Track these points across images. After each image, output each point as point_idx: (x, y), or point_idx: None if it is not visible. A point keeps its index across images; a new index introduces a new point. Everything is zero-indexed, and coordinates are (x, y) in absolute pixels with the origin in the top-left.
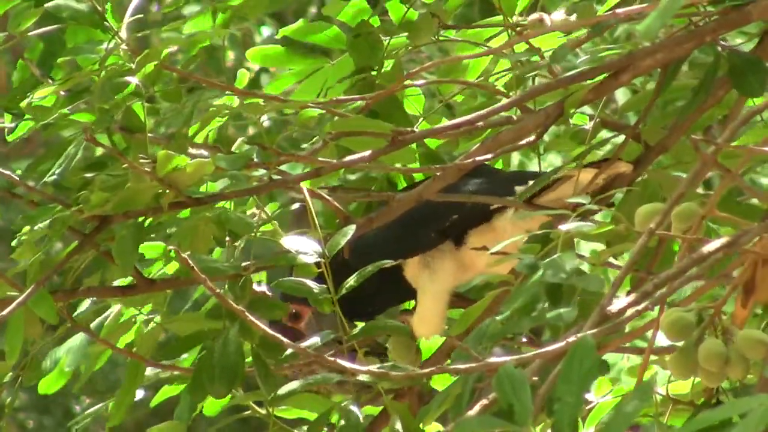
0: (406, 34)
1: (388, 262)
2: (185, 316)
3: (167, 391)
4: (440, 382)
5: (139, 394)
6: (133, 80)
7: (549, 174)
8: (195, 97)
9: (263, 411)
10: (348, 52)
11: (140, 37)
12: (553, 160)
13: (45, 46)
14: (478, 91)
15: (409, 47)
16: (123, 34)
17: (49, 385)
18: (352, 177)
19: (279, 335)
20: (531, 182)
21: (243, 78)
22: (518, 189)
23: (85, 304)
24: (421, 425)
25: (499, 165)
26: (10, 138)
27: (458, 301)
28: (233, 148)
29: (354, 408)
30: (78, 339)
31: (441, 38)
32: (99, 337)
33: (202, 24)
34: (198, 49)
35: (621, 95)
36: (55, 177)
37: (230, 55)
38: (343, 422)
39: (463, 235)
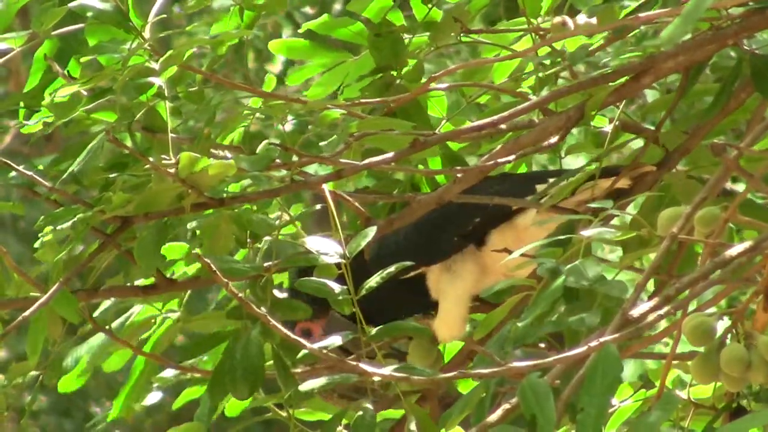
0: (428, 34)
1: (409, 264)
2: (206, 315)
3: (189, 394)
4: (463, 385)
5: (158, 396)
6: (157, 81)
7: (570, 174)
8: (218, 97)
9: (284, 413)
10: (369, 51)
11: (163, 37)
12: (572, 163)
13: (62, 42)
14: (502, 93)
15: (432, 48)
16: (146, 34)
17: (68, 384)
18: (376, 181)
19: (299, 338)
20: (551, 181)
21: (270, 82)
22: (539, 187)
23: (106, 303)
24: (443, 430)
25: (523, 168)
26: (24, 130)
27: (481, 306)
28: (257, 150)
29: (369, 406)
30: (99, 338)
31: (463, 39)
32: (118, 338)
33: (226, 25)
34: (224, 48)
35: (650, 93)
36: (75, 173)
37: (251, 56)
38: (357, 419)
39: (484, 236)
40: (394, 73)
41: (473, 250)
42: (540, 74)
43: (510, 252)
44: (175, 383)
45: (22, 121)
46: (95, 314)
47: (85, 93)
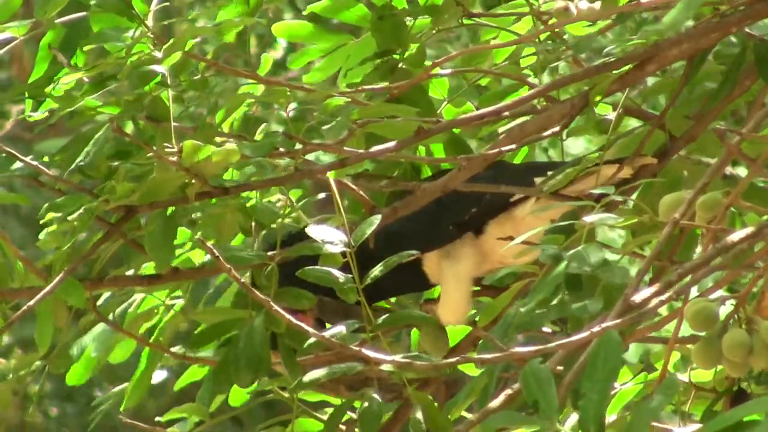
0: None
1: (413, 253)
2: (212, 309)
3: (191, 375)
4: (469, 368)
5: (162, 375)
6: (160, 69)
7: (572, 163)
8: (220, 84)
9: (286, 394)
10: (371, 34)
11: (165, 24)
12: (573, 148)
13: (68, 31)
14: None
15: (434, 31)
16: (149, 22)
17: (77, 376)
18: (376, 163)
19: (304, 325)
20: (549, 173)
21: (266, 64)
22: (536, 180)
23: (107, 294)
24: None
25: (524, 152)
26: (31, 119)
27: (485, 290)
28: (257, 135)
29: (376, 396)
30: (102, 326)
31: (465, 22)
32: (122, 329)
33: (229, 12)
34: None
35: (651, 81)
36: (81, 164)
37: (253, 42)
38: (364, 409)
39: (482, 226)
40: (397, 57)
41: (471, 236)
42: (541, 57)
43: (512, 239)
44: (179, 363)
45: (29, 111)
46: (98, 304)
47: (87, 80)
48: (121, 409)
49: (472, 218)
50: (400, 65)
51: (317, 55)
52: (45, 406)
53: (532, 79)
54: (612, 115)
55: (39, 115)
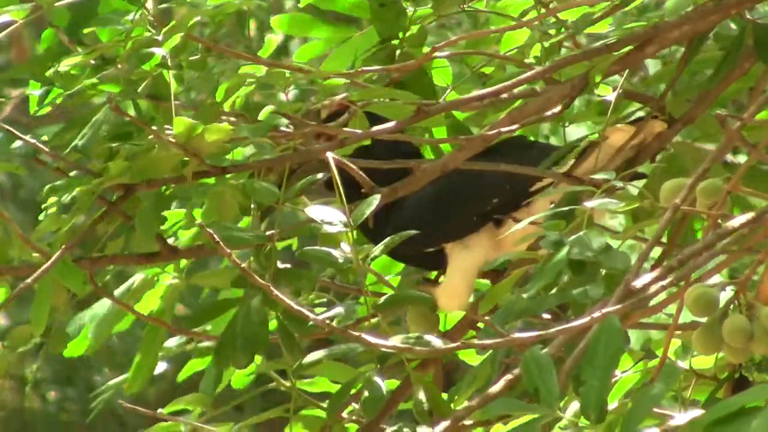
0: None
1: (412, 233)
2: (210, 272)
3: (194, 365)
4: (467, 354)
5: (162, 366)
6: (160, 51)
7: (577, 142)
8: (221, 66)
9: (287, 383)
10: (371, 22)
11: (163, 6)
12: (575, 133)
13: (73, 13)
14: (506, 62)
15: (435, 17)
16: (149, 5)
17: (73, 350)
18: None
19: (303, 310)
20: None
21: (270, 45)
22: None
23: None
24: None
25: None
26: (32, 110)
27: (483, 274)
28: (260, 117)
29: (377, 379)
30: (102, 306)
31: (467, 9)
32: (121, 302)
33: None
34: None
35: (652, 65)
36: (80, 145)
37: (252, 25)
38: (366, 394)
39: (503, 218)
40: (396, 42)
41: (491, 226)
42: (545, 44)
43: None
44: (179, 353)
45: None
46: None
47: (93, 62)
48: (127, 391)
49: (493, 210)
50: (398, 51)
51: (320, 47)
52: (44, 390)
53: (535, 67)
54: (612, 96)
55: (40, 93)
